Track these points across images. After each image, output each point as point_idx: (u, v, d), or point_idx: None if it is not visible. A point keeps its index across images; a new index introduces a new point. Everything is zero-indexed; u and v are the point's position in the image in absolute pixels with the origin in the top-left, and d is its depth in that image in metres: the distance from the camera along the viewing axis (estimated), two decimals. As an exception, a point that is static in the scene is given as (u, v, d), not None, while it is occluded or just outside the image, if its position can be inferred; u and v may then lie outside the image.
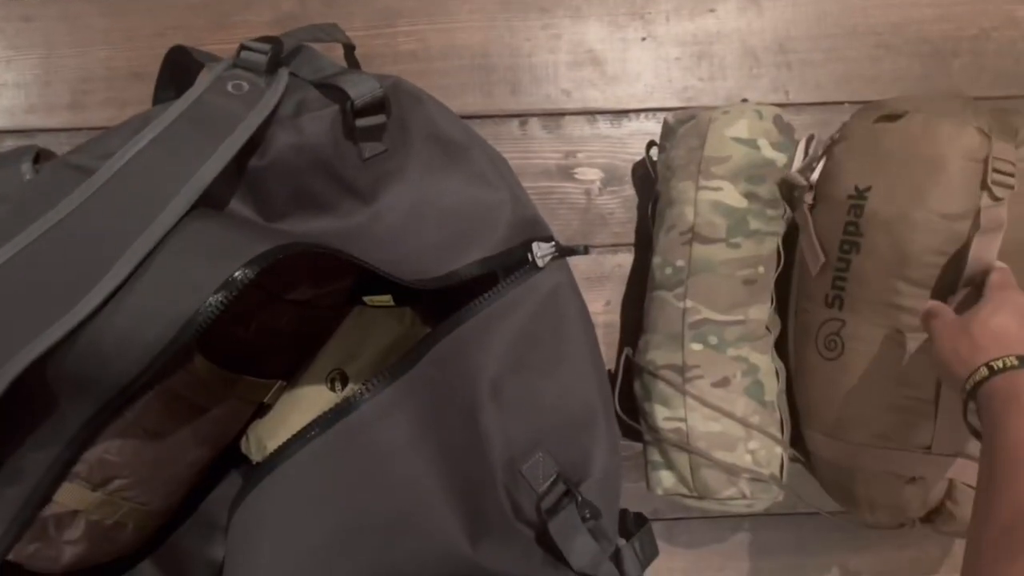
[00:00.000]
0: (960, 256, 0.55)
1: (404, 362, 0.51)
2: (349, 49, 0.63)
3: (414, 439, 0.51)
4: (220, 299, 0.43)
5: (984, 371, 0.48)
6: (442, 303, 0.56)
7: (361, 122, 0.53)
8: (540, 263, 0.55)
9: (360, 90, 0.52)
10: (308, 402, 0.61)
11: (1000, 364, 0.48)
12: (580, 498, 0.52)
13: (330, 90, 0.54)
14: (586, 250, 0.58)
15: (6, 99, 0.73)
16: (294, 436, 0.53)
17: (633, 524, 0.57)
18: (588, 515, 0.52)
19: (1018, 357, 0.48)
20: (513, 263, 0.55)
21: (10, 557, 0.52)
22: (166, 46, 0.61)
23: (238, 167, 0.52)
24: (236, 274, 0.44)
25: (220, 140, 0.49)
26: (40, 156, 0.67)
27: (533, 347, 0.54)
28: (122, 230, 0.46)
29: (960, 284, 0.55)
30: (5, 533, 0.51)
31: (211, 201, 0.50)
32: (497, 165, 0.58)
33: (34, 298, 0.44)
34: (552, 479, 0.52)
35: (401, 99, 0.56)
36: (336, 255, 0.49)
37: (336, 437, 0.52)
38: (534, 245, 0.55)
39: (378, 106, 0.53)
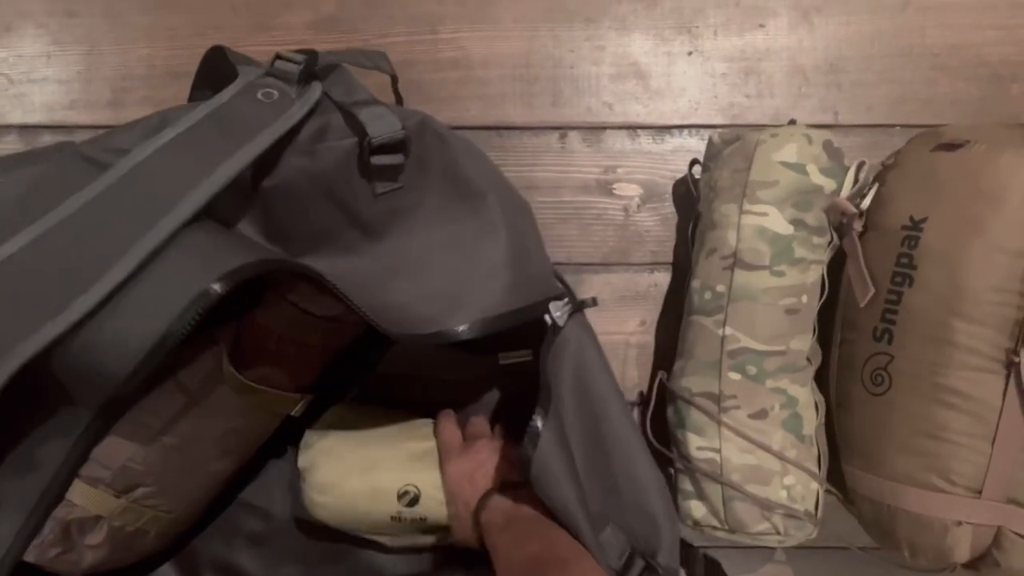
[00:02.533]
0: None
1: None
2: (393, 80, 0.62)
3: None
4: (196, 311, 0.42)
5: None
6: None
7: (377, 160, 0.51)
8: (560, 322, 0.53)
9: (379, 128, 0.51)
10: (370, 489, 0.60)
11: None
12: (661, 570, 0.51)
13: (353, 119, 0.52)
14: (594, 302, 0.56)
15: (47, 94, 0.73)
16: None
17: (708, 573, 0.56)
18: None
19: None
20: (524, 319, 0.52)
21: (31, 559, 0.52)
22: (206, 46, 0.60)
23: (253, 185, 0.51)
24: (212, 287, 0.43)
25: (240, 144, 0.48)
26: (77, 153, 0.67)
27: (583, 420, 0.54)
28: (127, 232, 0.45)
29: None
30: (23, 526, 0.50)
31: (220, 218, 0.49)
32: (513, 215, 0.55)
33: (35, 294, 0.44)
34: (627, 554, 0.51)
35: (426, 137, 0.54)
36: (317, 279, 0.47)
37: None
38: (551, 306, 0.53)
39: (396, 146, 0.52)
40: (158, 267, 0.44)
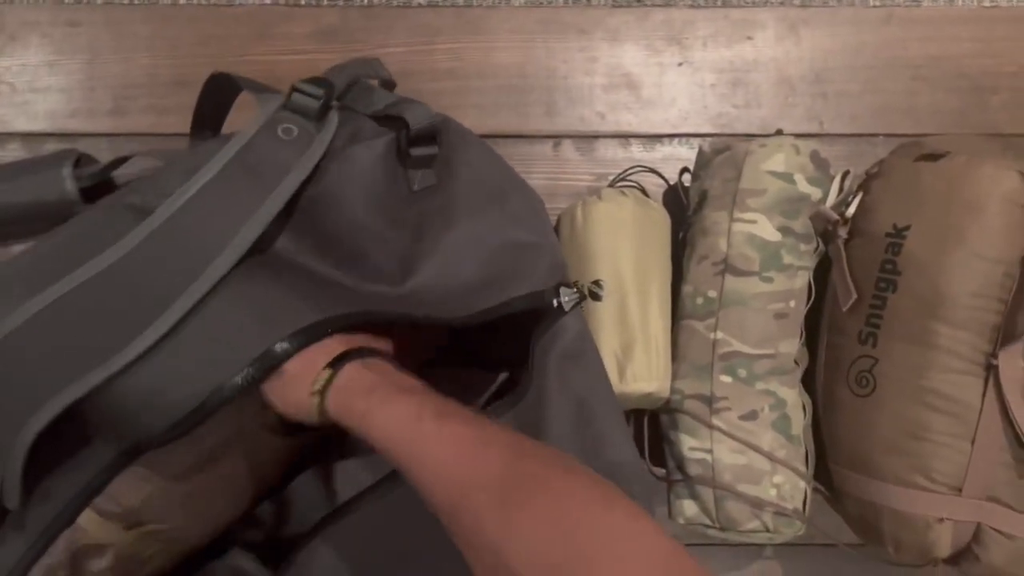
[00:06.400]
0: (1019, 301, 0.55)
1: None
2: (389, 86, 0.63)
3: None
4: (253, 372, 0.42)
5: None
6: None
7: (415, 150, 0.53)
8: (567, 307, 0.56)
9: (418, 117, 0.53)
10: None
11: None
12: None
13: (386, 119, 0.54)
14: (599, 285, 0.62)
15: (50, 102, 0.74)
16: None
17: None
18: None
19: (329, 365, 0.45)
20: (541, 305, 0.55)
21: None
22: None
23: (290, 201, 0.52)
24: (276, 347, 0.42)
25: (270, 190, 0.49)
26: (80, 160, 0.68)
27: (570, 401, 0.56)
28: (170, 282, 0.45)
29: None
30: (29, 549, 0.50)
31: (260, 240, 0.49)
32: (535, 208, 0.59)
33: (79, 341, 0.44)
34: None
35: (450, 136, 0.56)
36: (385, 318, 0.48)
37: None
38: (561, 290, 0.56)
39: (432, 135, 0.54)
40: (209, 318, 0.44)
